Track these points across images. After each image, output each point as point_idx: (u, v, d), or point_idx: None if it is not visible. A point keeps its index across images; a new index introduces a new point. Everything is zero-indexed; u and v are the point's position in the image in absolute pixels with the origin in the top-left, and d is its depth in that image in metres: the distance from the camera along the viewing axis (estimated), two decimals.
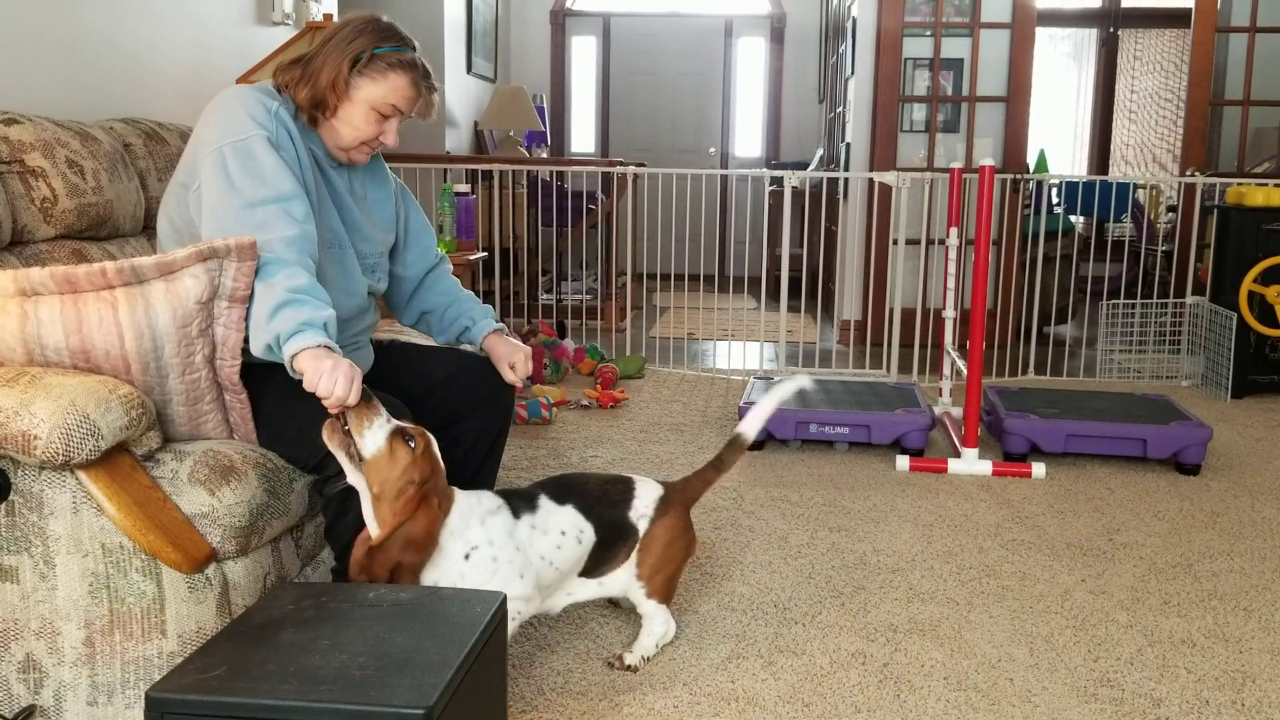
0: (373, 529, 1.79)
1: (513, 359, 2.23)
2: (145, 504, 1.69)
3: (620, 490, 2.10)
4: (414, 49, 2.10)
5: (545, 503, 2.01)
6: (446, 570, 1.84)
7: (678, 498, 2.14)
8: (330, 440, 1.77)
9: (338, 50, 2.03)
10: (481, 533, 1.88)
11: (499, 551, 1.88)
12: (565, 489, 2.05)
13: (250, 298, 1.84)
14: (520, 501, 1.99)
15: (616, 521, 2.06)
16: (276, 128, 1.97)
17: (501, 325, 2.33)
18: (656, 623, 2.12)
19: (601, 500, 2.06)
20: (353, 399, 1.74)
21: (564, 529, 1.99)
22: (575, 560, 2.02)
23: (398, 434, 1.77)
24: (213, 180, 1.91)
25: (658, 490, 2.13)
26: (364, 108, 2.05)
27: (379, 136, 2.09)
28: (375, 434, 1.76)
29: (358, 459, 1.76)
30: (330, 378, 1.73)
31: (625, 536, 2.07)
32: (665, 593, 2.12)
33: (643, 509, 2.09)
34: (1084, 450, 3.48)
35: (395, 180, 2.36)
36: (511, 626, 1.89)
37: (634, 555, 2.08)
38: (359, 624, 1.47)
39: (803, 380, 2.30)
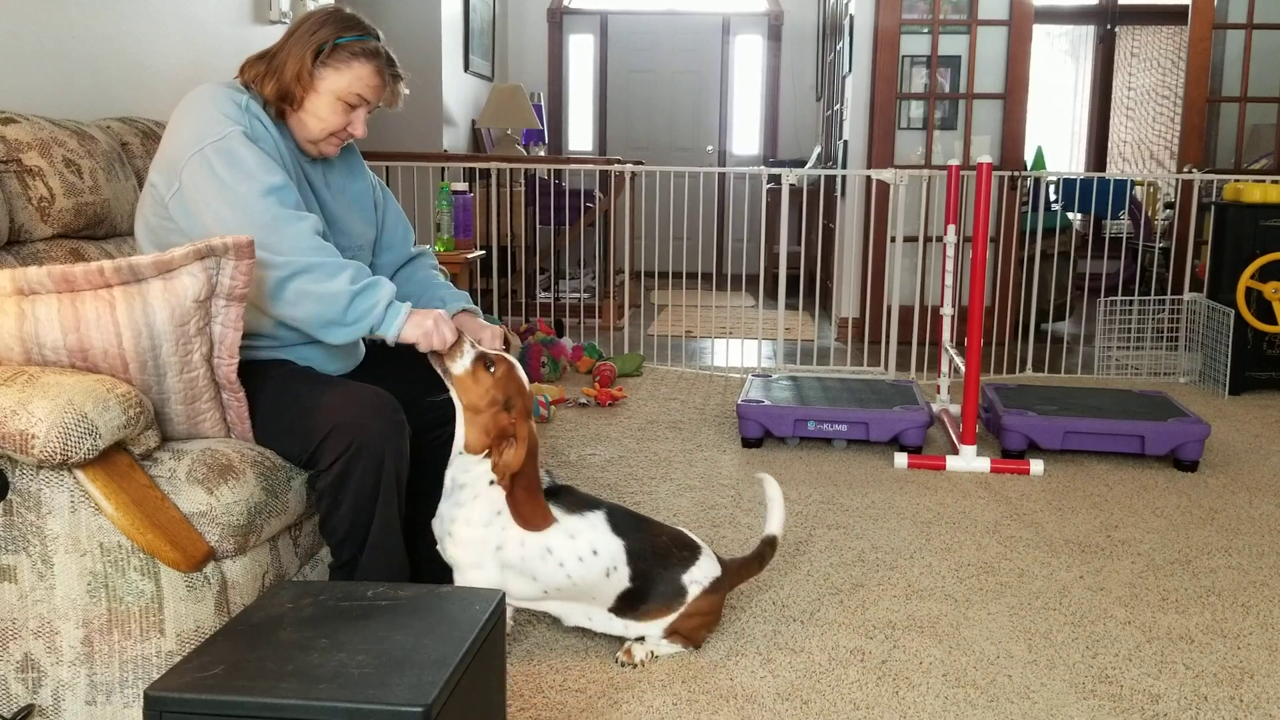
0: (458, 439, 1.98)
1: (479, 335, 2.23)
2: (143, 503, 1.69)
3: (685, 555, 2.10)
4: (378, 38, 2.10)
5: (593, 517, 2.02)
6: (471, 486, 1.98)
7: (728, 579, 2.16)
8: (434, 363, 1.99)
9: (301, 43, 2.03)
10: None
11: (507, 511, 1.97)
12: (629, 523, 2.06)
13: (278, 297, 1.89)
14: (566, 495, 2.05)
15: (667, 580, 2.06)
16: (250, 121, 1.98)
17: (474, 307, 2.33)
18: (676, 646, 2.12)
19: (661, 557, 2.07)
20: (452, 338, 1.97)
21: (596, 550, 1.99)
22: (594, 586, 2.01)
23: (480, 359, 1.97)
24: (203, 184, 1.92)
25: (717, 570, 2.13)
26: (330, 98, 2.05)
27: (346, 127, 2.10)
28: (463, 360, 1.97)
29: (450, 376, 1.99)
30: (439, 334, 1.96)
31: (672, 595, 2.07)
32: (683, 641, 2.12)
33: (699, 576, 2.09)
34: (1082, 447, 3.48)
35: (372, 174, 2.36)
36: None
37: (673, 617, 2.07)
38: (357, 622, 1.47)
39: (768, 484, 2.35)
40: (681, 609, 2.07)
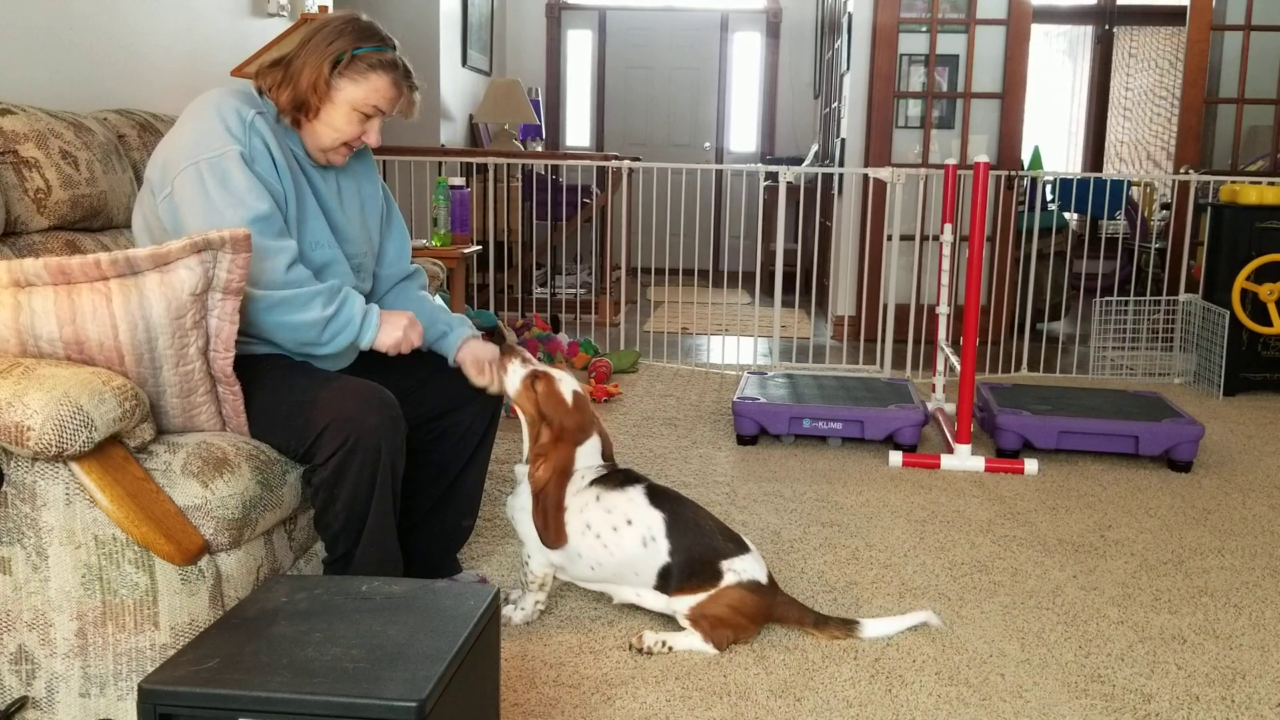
0: (525, 450, 2.16)
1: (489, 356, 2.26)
2: (138, 496, 1.69)
3: (731, 546, 2.13)
4: (394, 48, 2.09)
5: (632, 491, 2.12)
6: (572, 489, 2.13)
7: (771, 594, 2.15)
8: (499, 373, 2.17)
9: (317, 52, 2.02)
10: (582, 470, 2.15)
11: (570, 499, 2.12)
12: (672, 499, 2.14)
13: (257, 325, 1.92)
14: (615, 476, 2.16)
15: (707, 560, 2.09)
16: (250, 139, 1.95)
17: (476, 331, 2.33)
18: (694, 640, 2.11)
19: (706, 536, 2.11)
20: (418, 341, 2.10)
21: (631, 520, 2.08)
22: (634, 559, 2.09)
23: (529, 377, 2.12)
24: (192, 196, 1.92)
25: (762, 575, 2.14)
26: (345, 109, 2.04)
27: (360, 136, 2.09)
28: (512, 376, 2.13)
29: (507, 393, 2.15)
30: (407, 341, 2.07)
31: (708, 576, 2.09)
32: (705, 631, 2.11)
33: (739, 567, 2.11)
34: (1076, 447, 3.49)
35: (380, 180, 2.35)
36: (529, 585, 2.18)
37: (704, 596, 2.09)
38: (352, 617, 1.47)
39: (926, 616, 2.25)
40: (714, 590, 2.09)
